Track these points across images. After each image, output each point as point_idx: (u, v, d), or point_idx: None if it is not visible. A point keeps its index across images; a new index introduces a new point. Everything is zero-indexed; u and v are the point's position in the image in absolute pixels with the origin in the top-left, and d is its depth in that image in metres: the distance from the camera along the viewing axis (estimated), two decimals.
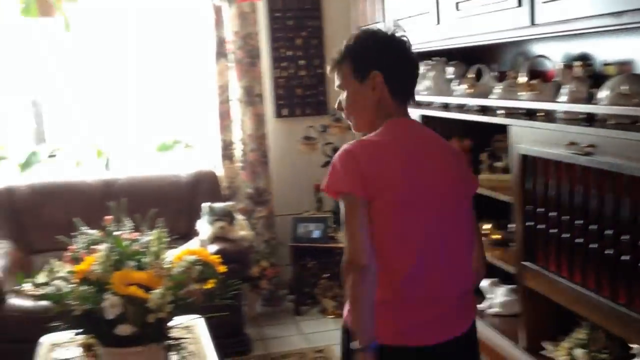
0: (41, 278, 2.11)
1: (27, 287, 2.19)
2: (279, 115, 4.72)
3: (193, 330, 2.78)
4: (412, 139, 1.81)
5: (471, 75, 2.94)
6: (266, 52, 4.64)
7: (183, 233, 3.71)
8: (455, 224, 1.79)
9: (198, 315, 2.70)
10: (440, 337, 1.75)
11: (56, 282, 2.02)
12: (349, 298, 1.68)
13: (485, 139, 3.13)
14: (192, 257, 2.09)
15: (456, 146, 2.94)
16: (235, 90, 4.48)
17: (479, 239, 1.95)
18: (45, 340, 2.89)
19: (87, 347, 2.55)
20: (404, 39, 1.84)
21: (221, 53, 4.41)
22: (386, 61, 1.80)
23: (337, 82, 1.87)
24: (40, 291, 3.33)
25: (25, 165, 4.45)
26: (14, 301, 3.60)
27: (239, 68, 4.45)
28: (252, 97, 4.48)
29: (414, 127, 1.88)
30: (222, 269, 2.18)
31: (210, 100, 4.50)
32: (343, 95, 1.86)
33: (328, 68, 1.89)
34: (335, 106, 1.92)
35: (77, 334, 2.12)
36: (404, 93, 1.85)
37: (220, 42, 4.41)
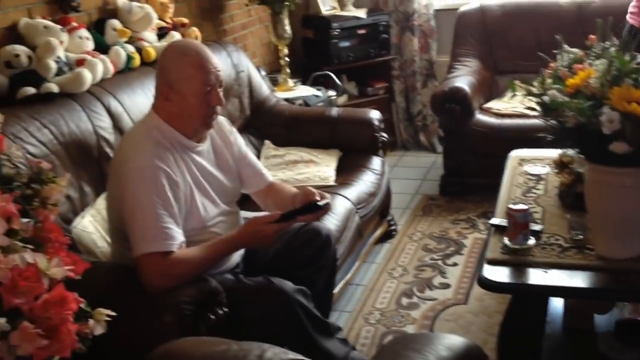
0: (533, 88, 2.12)
1: (516, 96, 2.24)
2: None
3: None
4: None
5: None
6: None
7: None
8: None
9: None
10: None
11: (551, 92, 2.01)
12: None
13: None
14: None
15: None
16: None
17: None
18: (514, 154, 3.00)
19: (560, 165, 2.56)
20: None
21: None
22: None
23: None
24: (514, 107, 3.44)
25: None
26: (481, 117, 3.82)
27: None
28: None
29: None
30: None
31: None
32: None
33: None
34: None
35: (566, 147, 2.12)
36: None
37: None
